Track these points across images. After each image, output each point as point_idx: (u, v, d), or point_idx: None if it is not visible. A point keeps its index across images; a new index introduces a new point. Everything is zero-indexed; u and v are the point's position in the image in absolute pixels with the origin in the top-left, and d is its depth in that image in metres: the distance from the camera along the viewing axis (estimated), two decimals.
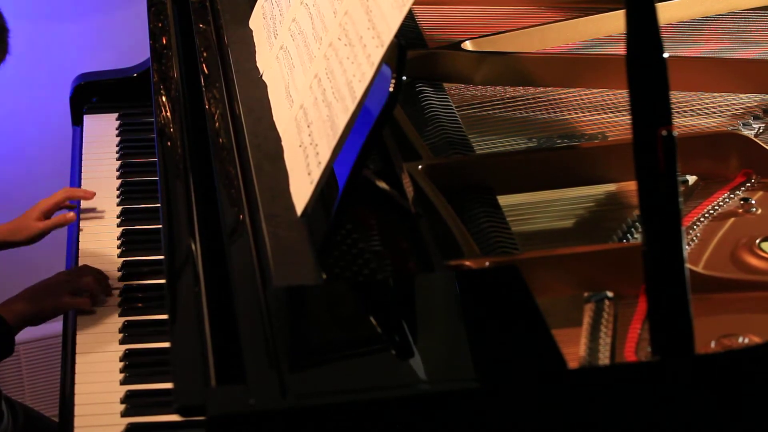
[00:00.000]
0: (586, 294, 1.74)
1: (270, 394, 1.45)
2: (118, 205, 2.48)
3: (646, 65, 1.45)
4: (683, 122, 2.18)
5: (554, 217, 1.95)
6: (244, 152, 1.91)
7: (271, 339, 1.53)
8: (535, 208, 1.96)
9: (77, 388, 2.05)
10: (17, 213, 3.30)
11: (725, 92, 2.25)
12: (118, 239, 2.38)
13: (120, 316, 2.19)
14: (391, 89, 1.63)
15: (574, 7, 2.54)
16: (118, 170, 2.58)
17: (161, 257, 2.22)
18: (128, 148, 2.65)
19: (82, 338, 2.15)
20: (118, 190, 2.52)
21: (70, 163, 2.66)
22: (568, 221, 1.95)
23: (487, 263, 1.71)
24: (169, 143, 2.14)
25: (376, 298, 1.67)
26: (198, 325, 1.65)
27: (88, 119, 2.76)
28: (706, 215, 1.93)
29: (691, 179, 2.02)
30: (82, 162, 2.62)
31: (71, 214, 2.43)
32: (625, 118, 2.15)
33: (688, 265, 1.48)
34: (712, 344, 1.64)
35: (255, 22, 2.26)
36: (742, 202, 1.96)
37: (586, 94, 2.26)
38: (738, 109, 2.22)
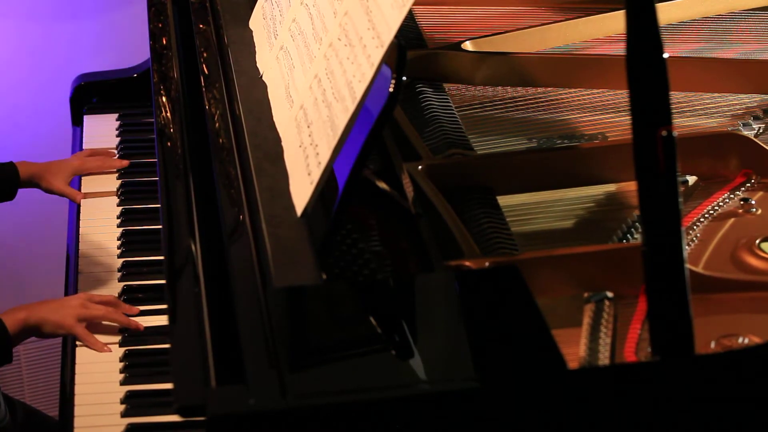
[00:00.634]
0: (586, 294, 1.74)
1: (270, 394, 1.45)
2: (118, 205, 2.48)
3: (646, 65, 1.45)
4: (683, 122, 2.18)
5: (554, 217, 1.95)
6: (244, 152, 1.91)
7: (271, 339, 1.53)
8: (535, 208, 1.96)
9: (77, 389, 2.05)
10: (17, 212, 3.30)
11: (725, 92, 2.25)
12: (118, 239, 2.38)
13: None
14: (391, 89, 1.63)
15: (574, 8, 2.54)
16: (118, 170, 2.58)
17: (161, 257, 2.22)
18: (128, 148, 2.65)
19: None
20: (117, 190, 2.52)
21: None
22: (568, 221, 1.95)
23: (487, 263, 1.71)
24: (169, 143, 2.14)
25: (376, 298, 1.67)
26: (198, 326, 1.65)
27: (88, 119, 2.76)
28: (706, 215, 1.93)
29: (691, 179, 2.02)
30: None
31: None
32: (625, 119, 2.15)
33: (688, 266, 1.48)
34: (712, 344, 1.64)
35: (255, 22, 2.26)
36: (742, 203, 1.96)
37: (586, 95, 2.26)
38: (738, 110, 2.22)
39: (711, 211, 1.94)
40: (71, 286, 2.30)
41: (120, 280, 2.28)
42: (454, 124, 2.12)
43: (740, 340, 1.64)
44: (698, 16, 2.54)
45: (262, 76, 2.10)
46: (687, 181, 2.02)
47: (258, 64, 2.13)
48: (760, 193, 1.98)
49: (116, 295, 2.23)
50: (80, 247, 2.38)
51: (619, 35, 2.43)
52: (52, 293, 2.39)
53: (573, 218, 1.95)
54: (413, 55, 2.26)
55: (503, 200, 1.94)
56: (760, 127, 2.15)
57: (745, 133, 2.09)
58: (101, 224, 2.44)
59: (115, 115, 2.76)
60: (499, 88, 2.28)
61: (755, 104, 2.23)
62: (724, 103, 2.23)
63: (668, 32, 2.48)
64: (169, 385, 1.73)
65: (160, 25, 2.48)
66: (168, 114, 2.21)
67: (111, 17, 3.33)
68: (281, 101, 1.96)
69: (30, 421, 2.33)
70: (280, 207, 1.77)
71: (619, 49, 2.34)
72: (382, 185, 1.87)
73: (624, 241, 1.87)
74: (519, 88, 2.28)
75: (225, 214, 1.82)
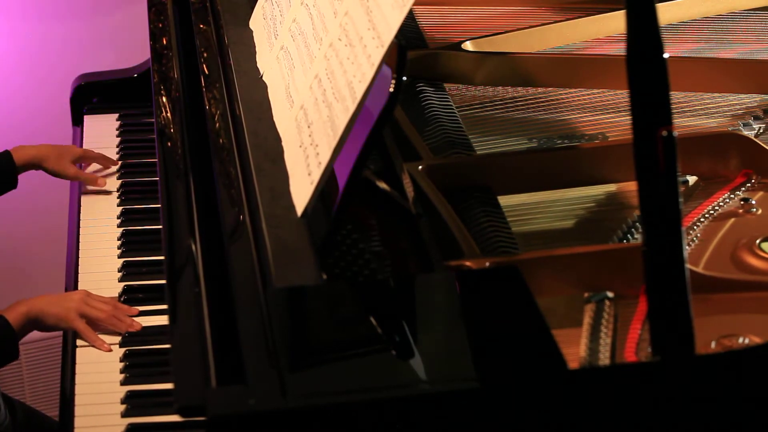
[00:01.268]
0: (586, 294, 1.74)
1: (270, 394, 1.45)
2: (118, 205, 2.48)
3: (646, 65, 1.45)
4: (683, 122, 2.18)
5: (554, 217, 1.95)
6: (244, 152, 1.91)
7: (271, 339, 1.53)
8: (535, 208, 1.96)
9: (77, 389, 2.05)
10: (17, 212, 3.31)
11: (725, 92, 2.25)
12: (118, 239, 2.38)
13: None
14: (391, 89, 1.63)
15: (575, 8, 2.54)
16: (118, 170, 2.58)
17: (161, 257, 2.22)
18: (128, 148, 2.65)
19: (82, 339, 2.15)
20: (118, 190, 2.52)
21: None
22: (568, 221, 1.95)
23: (487, 263, 1.71)
24: (169, 143, 2.14)
25: (376, 298, 1.67)
26: (198, 326, 1.65)
27: (88, 119, 2.76)
28: (707, 215, 1.93)
29: (692, 179, 2.02)
30: (82, 162, 2.62)
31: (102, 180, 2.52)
32: (626, 119, 2.15)
33: (688, 266, 1.48)
34: (713, 344, 1.64)
35: (255, 22, 2.26)
36: (742, 203, 1.96)
37: (586, 95, 2.26)
38: (738, 110, 2.22)
39: (711, 211, 1.94)
40: (71, 287, 2.30)
41: (120, 280, 2.27)
42: (454, 124, 2.12)
43: (740, 340, 1.64)
44: (698, 16, 2.54)
45: (262, 76, 2.10)
46: (687, 181, 2.02)
47: (258, 64, 2.13)
48: (761, 193, 1.98)
49: (116, 294, 2.23)
50: (80, 247, 2.38)
51: (619, 35, 2.43)
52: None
53: (573, 218, 1.95)
54: (414, 55, 2.26)
55: (503, 200, 1.94)
56: (760, 127, 2.15)
57: (746, 133, 2.09)
58: (101, 224, 2.44)
59: (116, 115, 2.76)
60: (500, 88, 2.28)
61: (755, 104, 2.23)
62: (725, 103, 2.23)
63: (667, 32, 2.48)
64: (169, 385, 1.73)
65: (161, 25, 2.48)
66: (168, 114, 2.21)
67: (111, 17, 3.33)
68: (281, 101, 1.96)
69: (30, 421, 2.33)
70: (280, 207, 1.77)
71: (620, 48, 2.34)
72: (383, 185, 1.87)
73: (624, 241, 1.87)
74: (519, 88, 2.28)
75: (225, 214, 1.82)
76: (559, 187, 1.99)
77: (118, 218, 2.44)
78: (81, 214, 2.48)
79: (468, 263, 1.70)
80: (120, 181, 2.55)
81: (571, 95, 2.26)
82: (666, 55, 1.44)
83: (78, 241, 2.40)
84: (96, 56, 3.28)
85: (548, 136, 2.14)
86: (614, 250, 1.80)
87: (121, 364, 2.08)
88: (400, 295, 1.68)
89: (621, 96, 2.23)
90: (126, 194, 2.51)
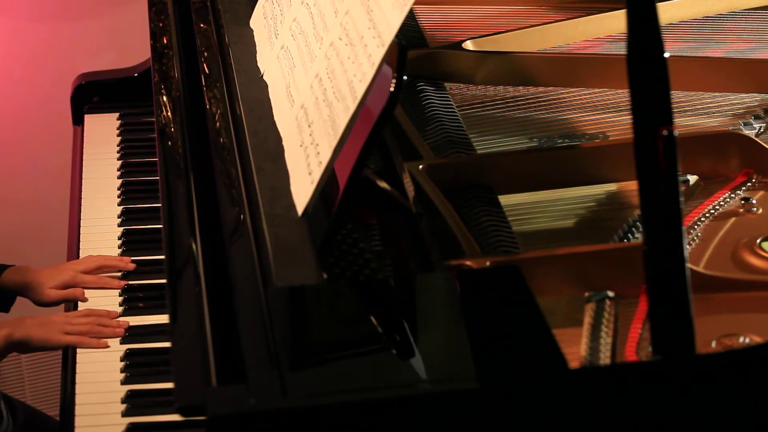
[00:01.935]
0: (586, 294, 1.74)
1: (270, 393, 1.45)
2: (118, 205, 2.48)
3: (646, 65, 1.45)
4: (684, 122, 2.17)
5: (555, 216, 1.95)
6: (244, 152, 1.91)
7: (272, 339, 1.53)
8: (535, 207, 1.96)
9: (78, 388, 2.05)
10: (17, 212, 3.30)
11: (726, 92, 2.25)
12: (118, 239, 2.38)
13: (121, 316, 2.19)
14: (391, 89, 1.63)
15: (575, 7, 2.54)
16: (118, 170, 2.58)
17: (162, 257, 2.22)
18: (129, 147, 2.65)
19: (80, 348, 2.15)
20: (118, 190, 2.52)
21: (70, 162, 2.66)
22: (568, 221, 1.95)
23: (487, 263, 1.71)
24: (169, 143, 2.14)
25: (376, 298, 1.67)
26: (198, 325, 1.65)
27: (88, 119, 2.76)
28: (707, 215, 1.93)
29: (692, 179, 2.02)
30: (83, 162, 2.62)
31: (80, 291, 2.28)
32: (626, 118, 2.15)
33: (688, 265, 1.48)
34: (713, 344, 1.64)
35: (256, 21, 2.26)
36: (743, 202, 1.95)
37: (586, 94, 2.26)
38: (739, 109, 2.22)
39: (712, 211, 1.94)
40: None
41: (121, 280, 2.27)
42: (455, 124, 2.12)
43: (741, 339, 1.64)
44: (699, 16, 2.54)
45: (262, 76, 2.10)
46: (688, 181, 2.02)
47: (259, 64, 2.13)
48: (761, 193, 1.98)
49: (116, 294, 2.23)
50: (81, 247, 2.38)
51: (620, 34, 2.43)
52: None
53: (574, 217, 1.95)
54: (414, 54, 2.26)
55: (504, 199, 1.94)
56: (761, 127, 2.15)
57: (746, 132, 2.09)
58: (102, 223, 2.44)
59: (116, 115, 2.76)
60: (500, 87, 2.28)
61: (756, 103, 2.22)
62: (725, 103, 2.23)
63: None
64: (169, 385, 1.73)
65: (161, 25, 2.48)
66: (169, 113, 2.21)
67: (112, 17, 3.33)
68: (282, 100, 1.96)
69: (32, 423, 2.33)
70: (280, 206, 1.77)
71: (620, 48, 2.34)
72: (383, 185, 1.87)
73: (625, 240, 1.87)
74: (520, 88, 2.28)
75: (226, 213, 1.82)
76: (559, 186, 1.99)
77: (118, 217, 2.44)
78: (81, 214, 2.48)
79: (468, 263, 1.70)
80: (120, 180, 2.55)
81: (571, 94, 2.26)
82: (667, 55, 1.44)
83: (78, 241, 2.40)
84: (96, 56, 3.28)
85: (549, 136, 2.14)
86: (615, 249, 1.80)
87: (122, 364, 2.08)
88: (401, 295, 1.68)
89: (621, 95, 2.23)
90: (126, 193, 2.51)
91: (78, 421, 1.99)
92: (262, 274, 1.65)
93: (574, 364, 1.57)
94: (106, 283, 2.26)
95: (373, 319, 1.61)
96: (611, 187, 2.00)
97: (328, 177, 1.71)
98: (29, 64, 3.32)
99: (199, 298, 1.70)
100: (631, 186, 1.96)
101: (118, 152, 2.64)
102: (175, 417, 1.58)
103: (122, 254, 2.33)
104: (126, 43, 3.20)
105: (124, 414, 1.98)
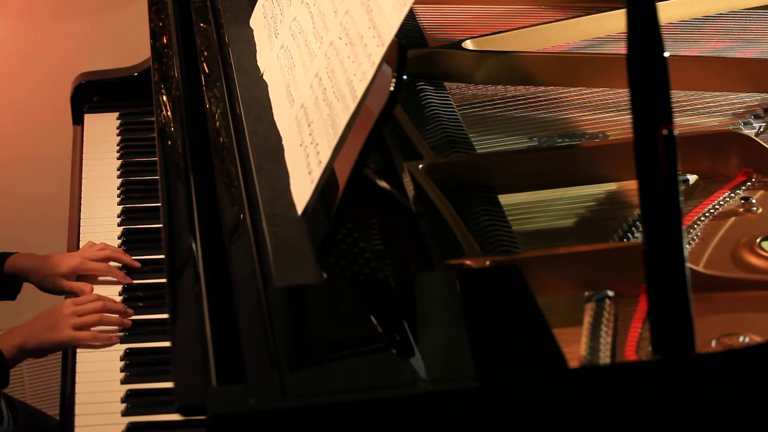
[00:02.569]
0: (586, 293, 1.74)
1: (270, 393, 1.45)
2: (118, 204, 2.48)
3: (646, 64, 1.45)
4: (684, 121, 2.17)
5: (555, 216, 1.95)
6: (244, 151, 1.91)
7: (272, 338, 1.53)
8: (535, 207, 1.96)
9: (78, 387, 2.05)
10: (17, 212, 3.29)
11: (726, 91, 2.25)
12: (118, 239, 2.38)
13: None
14: (391, 88, 1.63)
15: (575, 6, 2.54)
16: (118, 169, 2.58)
17: (162, 256, 2.22)
18: (129, 147, 2.65)
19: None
20: (118, 189, 2.52)
21: (70, 162, 2.66)
22: (568, 220, 1.95)
23: (487, 262, 1.71)
24: (169, 142, 2.14)
25: (376, 297, 1.67)
26: (198, 325, 1.65)
27: (88, 118, 2.76)
28: (707, 214, 1.93)
29: (692, 178, 2.02)
30: (83, 161, 2.62)
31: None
32: (626, 117, 2.15)
33: (688, 265, 1.48)
34: (713, 343, 1.64)
35: (256, 21, 2.26)
36: (742, 201, 1.95)
37: (586, 93, 2.26)
38: (739, 108, 2.22)
39: (712, 210, 1.94)
40: None
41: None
42: (454, 123, 2.12)
43: (741, 339, 1.64)
44: (699, 15, 2.54)
45: (262, 75, 2.10)
46: (688, 180, 2.02)
47: (258, 63, 2.13)
48: (761, 192, 1.98)
49: (117, 293, 2.23)
50: (81, 247, 2.38)
51: (619, 34, 2.43)
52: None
53: (574, 217, 1.95)
54: (414, 53, 2.27)
55: (504, 199, 1.94)
56: (760, 126, 2.15)
57: (746, 131, 2.09)
58: (102, 223, 2.44)
59: (116, 114, 2.76)
60: (500, 86, 2.28)
61: (756, 103, 2.22)
62: (725, 102, 2.23)
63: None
64: (169, 384, 1.73)
65: (161, 24, 2.48)
66: (168, 113, 2.21)
67: (111, 16, 3.33)
68: (282, 100, 1.96)
69: (32, 422, 2.33)
70: (280, 206, 1.77)
71: (620, 47, 2.34)
72: (383, 184, 1.87)
73: (625, 240, 1.87)
74: (520, 87, 2.28)
75: (225, 212, 1.82)
76: (559, 185, 1.99)
77: (118, 217, 2.44)
78: (81, 213, 2.48)
79: (468, 262, 1.70)
80: (120, 180, 2.55)
81: (571, 94, 2.26)
82: (667, 54, 1.44)
83: (78, 240, 2.41)
84: (96, 55, 3.28)
85: (549, 135, 2.14)
86: (615, 249, 1.80)
87: (122, 363, 2.08)
88: (401, 294, 1.68)
89: (621, 95, 2.23)
90: (126, 193, 2.51)
91: (78, 420, 1.99)
92: (262, 274, 1.65)
93: (573, 363, 1.57)
94: (114, 273, 2.25)
95: (373, 318, 1.61)
96: (611, 186, 2.00)
97: (328, 176, 1.71)
98: (29, 64, 3.32)
99: (199, 297, 1.70)
100: (631, 186, 1.96)
101: (117, 152, 2.64)
102: (175, 416, 1.58)
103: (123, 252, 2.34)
104: (126, 42, 3.20)
105: (124, 413, 1.98)
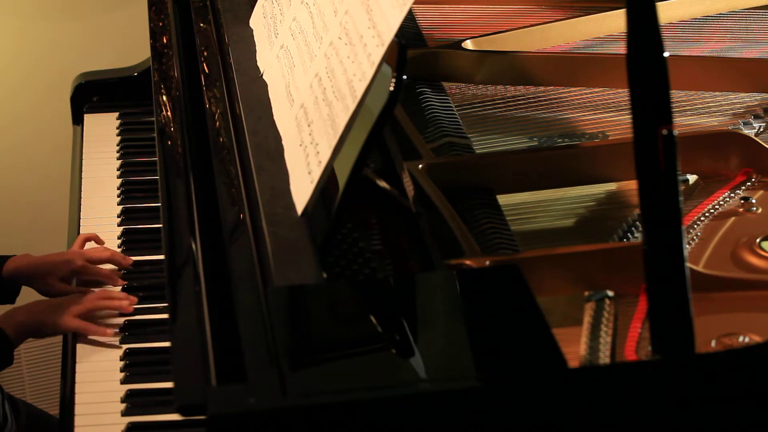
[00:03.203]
0: (586, 293, 1.74)
1: (270, 393, 1.45)
2: (118, 204, 2.48)
3: (646, 64, 1.45)
4: (684, 121, 2.17)
5: (555, 216, 1.95)
6: (244, 151, 1.91)
7: (272, 338, 1.53)
8: (535, 207, 1.96)
9: (78, 387, 2.05)
10: (17, 212, 3.29)
11: (726, 91, 2.25)
12: (118, 239, 2.38)
13: (120, 315, 2.19)
14: (391, 88, 1.63)
15: (575, 6, 2.54)
16: (118, 169, 2.58)
17: (162, 257, 2.22)
18: (129, 147, 2.65)
19: (82, 337, 2.15)
20: (118, 189, 2.52)
21: (70, 162, 2.66)
22: (568, 220, 1.95)
23: (487, 262, 1.71)
24: (169, 142, 2.14)
25: (376, 297, 1.67)
26: (198, 325, 1.65)
27: (88, 118, 2.76)
28: (707, 214, 1.93)
29: (692, 178, 2.02)
30: (83, 161, 2.62)
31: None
32: (626, 117, 2.15)
33: (688, 264, 1.48)
34: (713, 343, 1.64)
35: (255, 21, 2.26)
36: (742, 201, 1.95)
37: (586, 93, 2.26)
38: (738, 108, 2.22)
39: (711, 210, 1.94)
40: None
41: (121, 279, 2.27)
42: (454, 123, 2.12)
43: (741, 338, 1.64)
44: (699, 15, 2.54)
45: (262, 75, 2.10)
46: (687, 180, 2.02)
47: (258, 63, 2.13)
48: (761, 192, 1.98)
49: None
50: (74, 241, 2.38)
51: (619, 34, 2.43)
52: None
53: (574, 217, 1.95)
54: (414, 53, 2.27)
55: (504, 199, 1.94)
56: (760, 126, 2.15)
57: (746, 131, 2.09)
58: (102, 223, 2.44)
59: (116, 114, 2.76)
60: (500, 86, 2.28)
61: (756, 103, 2.22)
62: (725, 102, 2.23)
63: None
64: (169, 384, 1.73)
65: (161, 24, 2.48)
66: (168, 113, 2.21)
67: (111, 17, 3.33)
68: (282, 100, 1.96)
69: (34, 423, 2.33)
70: (280, 206, 1.77)
71: (620, 47, 2.34)
72: (383, 184, 1.87)
73: (624, 239, 1.87)
74: (519, 87, 2.28)
75: (225, 212, 1.82)
76: (559, 185, 1.99)
77: (118, 217, 2.44)
78: (81, 213, 2.48)
79: (468, 262, 1.70)
80: (120, 180, 2.55)
81: (571, 94, 2.26)
82: (666, 54, 1.44)
83: None
84: (96, 55, 3.28)
85: (548, 135, 2.14)
86: (615, 248, 1.80)
87: (121, 363, 2.08)
88: (401, 294, 1.68)
89: (621, 95, 2.23)
90: (126, 193, 2.51)
91: (78, 420, 2.00)
92: (262, 274, 1.65)
93: (573, 363, 1.57)
94: (113, 280, 2.25)
95: (372, 318, 1.61)
96: (611, 186, 2.00)
97: (328, 176, 1.71)
98: (29, 64, 3.32)
99: (198, 297, 1.70)
100: (631, 185, 1.96)
101: (117, 152, 2.64)
102: (175, 416, 1.58)
103: (122, 254, 2.33)
104: (126, 42, 3.20)
105: (124, 413, 1.98)
